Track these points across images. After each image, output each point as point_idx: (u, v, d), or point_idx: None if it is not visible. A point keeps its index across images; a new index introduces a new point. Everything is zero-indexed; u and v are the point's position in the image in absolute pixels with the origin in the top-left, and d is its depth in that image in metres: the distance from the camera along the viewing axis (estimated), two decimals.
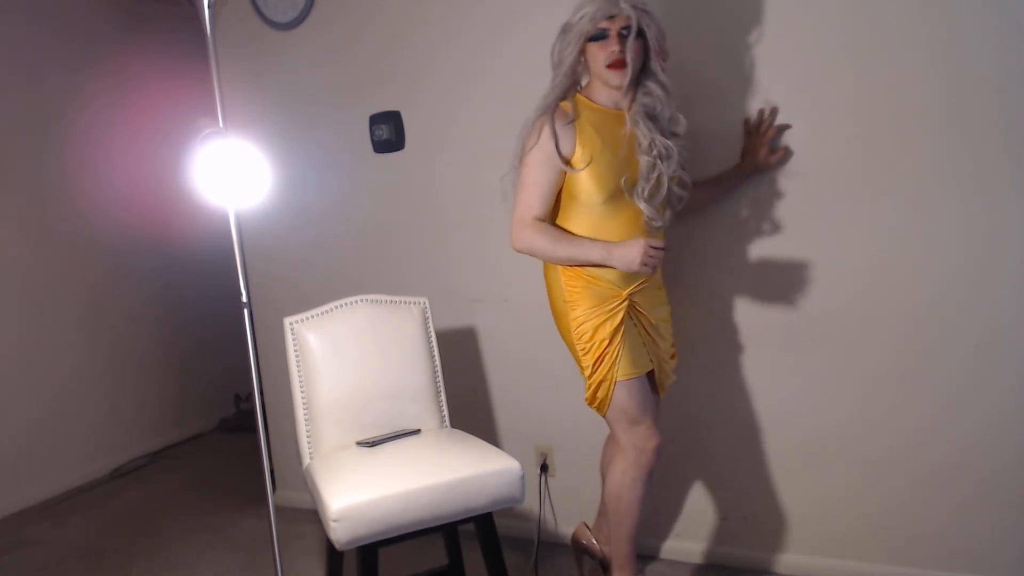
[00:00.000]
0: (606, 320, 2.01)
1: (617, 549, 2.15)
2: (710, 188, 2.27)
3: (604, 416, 2.09)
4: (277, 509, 2.00)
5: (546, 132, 1.96)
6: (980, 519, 2.15)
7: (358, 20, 2.84)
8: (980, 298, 2.09)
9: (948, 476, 2.17)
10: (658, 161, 1.97)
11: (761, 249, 2.31)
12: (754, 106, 2.26)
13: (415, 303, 2.36)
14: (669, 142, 1.98)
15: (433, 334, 2.36)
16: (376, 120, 2.84)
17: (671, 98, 1.99)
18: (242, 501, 3.38)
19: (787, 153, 2.24)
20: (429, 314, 2.37)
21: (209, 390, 4.57)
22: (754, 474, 2.43)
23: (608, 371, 2.01)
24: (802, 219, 2.26)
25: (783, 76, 2.22)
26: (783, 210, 2.27)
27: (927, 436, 2.19)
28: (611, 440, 2.25)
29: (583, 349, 2.03)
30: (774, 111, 2.24)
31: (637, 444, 2.05)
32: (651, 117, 1.98)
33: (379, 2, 2.79)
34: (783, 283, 2.30)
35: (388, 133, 2.81)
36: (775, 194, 2.27)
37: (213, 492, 3.56)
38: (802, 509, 2.38)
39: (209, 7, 1.85)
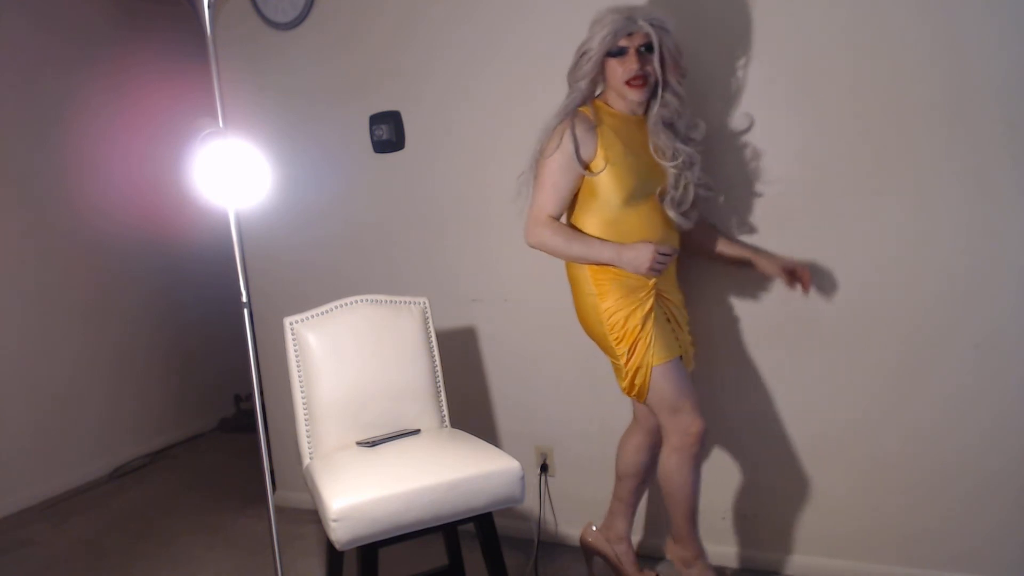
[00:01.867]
0: (636, 308, 2.06)
1: (676, 527, 2.18)
2: (716, 242, 2.27)
3: (644, 403, 2.14)
4: (277, 509, 2.00)
5: (567, 137, 2.04)
6: (980, 519, 2.15)
7: (358, 20, 2.84)
8: (980, 298, 2.09)
9: (948, 476, 2.17)
10: (684, 171, 2.08)
11: (764, 249, 2.31)
12: (757, 106, 2.26)
13: (415, 303, 2.36)
14: (691, 150, 2.08)
15: (433, 334, 2.36)
16: (376, 120, 2.83)
17: (686, 107, 2.09)
18: (242, 501, 3.38)
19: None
20: (429, 314, 2.37)
21: (209, 390, 4.57)
22: (755, 474, 2.43)
23: (643, 357, 2.05)
24: (804, 219, 2.26)
25: (785, 77, 2.22)
26: (786, 210, 2.27)
27: (927, 436, 2.19)
28: (633, 423, 2.31)
29: (616, 338, 2.07)
30: (808, 274, 2.18)
31: (680, 429, 2.08)
32: (668, 126, 2.08)
33: (379, 2, 2.79)
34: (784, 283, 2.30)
35: (388, 133, 2.81)
36: (780, 194, 2.27)
37: (213, 492, 3.56)
38: (802, 509, 2.37)
39: (209, 7, 1.85)
